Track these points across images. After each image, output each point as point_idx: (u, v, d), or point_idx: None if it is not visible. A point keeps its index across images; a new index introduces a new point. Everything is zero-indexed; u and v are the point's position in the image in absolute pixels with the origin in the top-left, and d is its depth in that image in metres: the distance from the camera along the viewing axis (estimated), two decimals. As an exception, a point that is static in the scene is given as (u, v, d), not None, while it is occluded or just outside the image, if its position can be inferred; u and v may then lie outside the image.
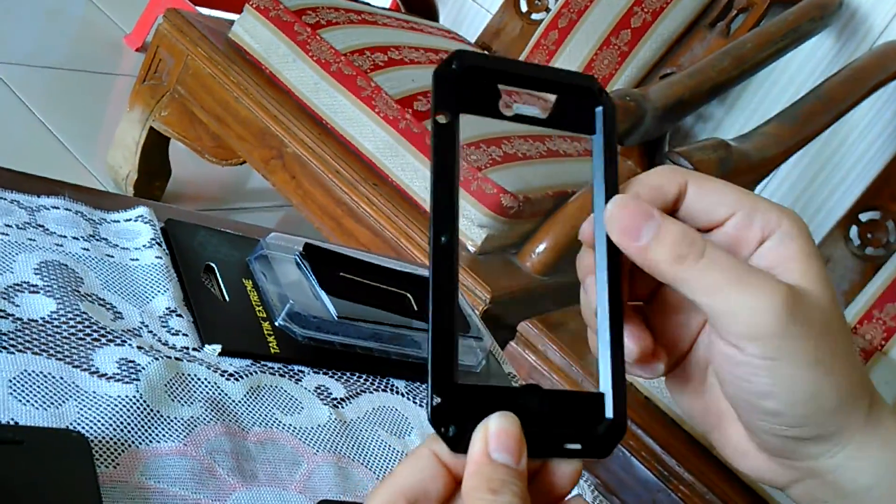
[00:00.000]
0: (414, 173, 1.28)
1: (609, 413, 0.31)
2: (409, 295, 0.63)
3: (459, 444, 0.28)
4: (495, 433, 0.28)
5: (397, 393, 0.58)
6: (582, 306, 0.34)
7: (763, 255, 0.32)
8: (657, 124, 1.16)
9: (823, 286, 0.31)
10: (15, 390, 0.44)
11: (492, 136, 1.31)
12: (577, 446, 0.30)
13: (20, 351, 0.46)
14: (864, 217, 1.47)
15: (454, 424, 0.28)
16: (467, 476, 0.28)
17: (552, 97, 0.32)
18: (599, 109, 0.32)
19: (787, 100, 1.32)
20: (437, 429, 0.28)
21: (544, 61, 1.67)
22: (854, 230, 1.47)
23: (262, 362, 0.54)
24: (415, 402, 0.58)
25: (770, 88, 1.71)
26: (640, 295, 0.35)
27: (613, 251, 0.32)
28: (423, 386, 0.60)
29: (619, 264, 0.32)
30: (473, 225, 1.24)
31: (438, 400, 0.28)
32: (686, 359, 0.36)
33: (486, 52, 0.31)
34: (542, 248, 1.27)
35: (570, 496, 0.30)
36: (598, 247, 0.32)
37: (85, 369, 0.47)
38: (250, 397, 0.52)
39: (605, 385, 0.31)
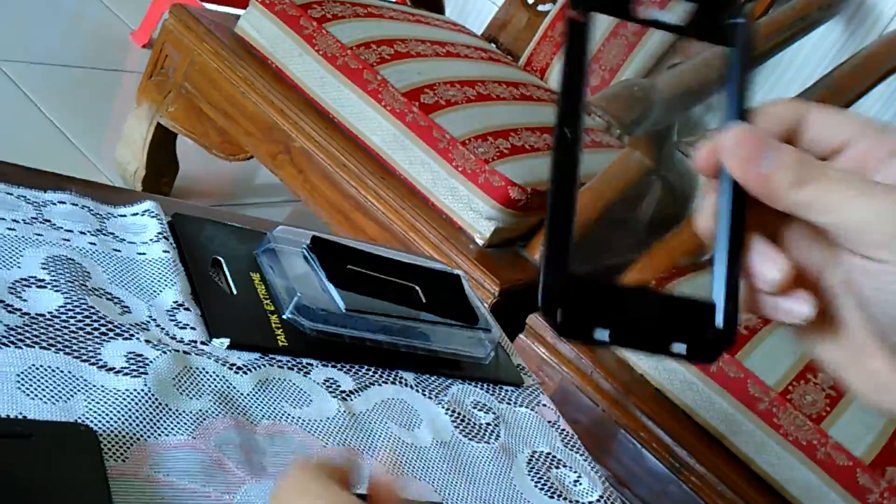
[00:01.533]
0: (421, 166, 1.27)
1: (719, 322, 0.31)
2: (417, 287, 0.62)
3: (566, 330, 0.30)
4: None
5: (406, 385, 0.58)
6: (698, 218, 0.34)
7: (890, 170, 0.31)
8: (666, 114, 1.15)
9: None
10: (23, 385, 0.44)
11: (499, 129, 1.30)
12: (683, 347, 0.30)
13: (28, 346, 0.46)
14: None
15: (563, 310, 0.29)
16: None
17: (691, 5, 0.32)
18: (740, 21, 0.32)
19: (796, 89, 1.32)
20: (547, 313, 0.30)
21: (551, 53, 1.66)
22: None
23: (271, 355, 0.54)
24: (424, 395, 0.58)
25: (779, 77, 1.70)
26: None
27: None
28: (434, 378, 0.60)
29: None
30: (481, 217, 1.24)
31: (548, 287, 0.29)
32: (816, 297, 0.34)
33: None
34: (550, 240, 1.26)
35: None
36: (722, 174, 0.32)
37: (93, 363, 0.47)
38: (259, 390, 0.52)
39: (718, 295, 0.31)
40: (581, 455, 0.60)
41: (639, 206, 1.47)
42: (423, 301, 0.62)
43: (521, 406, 0.62)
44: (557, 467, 0.58)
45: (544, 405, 0.64)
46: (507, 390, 0.63)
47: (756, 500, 1.02)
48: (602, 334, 0.30)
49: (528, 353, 1.14)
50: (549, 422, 0.63)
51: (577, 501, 0.56)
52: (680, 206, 1.46)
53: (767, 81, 1.71)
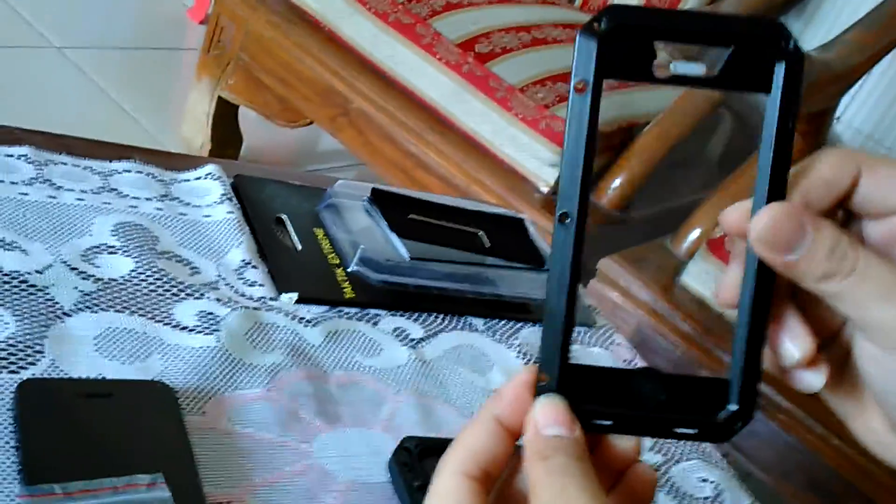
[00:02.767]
0: (480, 117, 1.26)
1: (734, 401, 0.29)
2: (480, 232, 0.62)
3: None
4: (541, 413, 0.29)
5: (475, 331, 0.58)
6: (719, 289, 0.32)
7: None
8: (730, 43, 1.11)
9: None
10: (100, 347, 0.45)
11: (557, 72, 1.28)
12: (692, 431, 0.29)
13: (103, 310, 0.47)
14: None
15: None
16: (524, 453, 0.29)
17: (724, 51, 0.28)
18: (782, 63, 0.28)
19: (870, 5, 1.25)
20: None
21: (607, -8, 1.61)
22: (951, 139, 1.39)
23: (338, 308, 0.55)
24: (494, 339, 0.58)
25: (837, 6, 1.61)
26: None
27: None
28: (503, 323, 0.59)
29: None
30: (545, 165, 1.22)
31: (546, 377, 0.28)
32: (830, 345, 0.34)
33: (641, 7, 0.26)
34: (617, 182, 1.24)
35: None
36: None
37: (166, 324, 0.48)
38: (329, 342, 0.52)
39: (735, 371, 0.29)
40: (658, 391, 0.59)
41: (709, 142, 1.42)
42: (488, 246, 0.61)
43: (594, 346, 0.62)
44: (634, 404, 0.57)
45: (619, 344, 0.63)
46: (579, 331, 0.62)
47: (847, 432, 0.99)
48: (603, 423, 0.29)
49: (602, 298, 1.12)
50: (625, 360, 0.62)
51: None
52: (752, 138, 1.41)
53: (822, 9, 1.63)
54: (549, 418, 0.29)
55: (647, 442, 0.54)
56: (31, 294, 0.46)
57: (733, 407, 0.29)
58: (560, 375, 0.28)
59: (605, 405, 0.29)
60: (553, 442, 0.28)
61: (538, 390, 0.29)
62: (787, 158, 0.28)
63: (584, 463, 0.28)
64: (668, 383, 0.29)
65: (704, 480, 0.54)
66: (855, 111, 1.59)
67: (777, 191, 0.29)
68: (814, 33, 1.61)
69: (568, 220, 0.28)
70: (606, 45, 0.27)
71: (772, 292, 0.29)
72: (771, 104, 0.28)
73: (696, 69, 0.28)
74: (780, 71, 0.28)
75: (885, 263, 0.29)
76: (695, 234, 1.17)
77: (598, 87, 0.27)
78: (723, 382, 0.29)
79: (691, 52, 0.30)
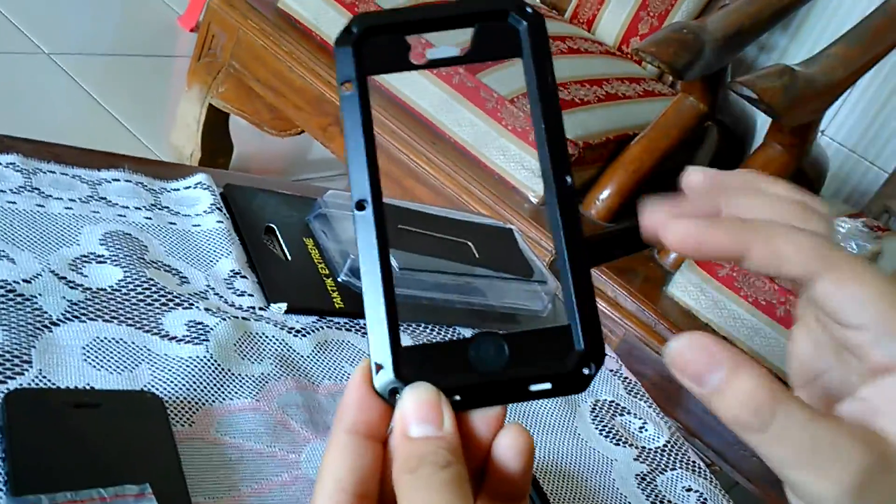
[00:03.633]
0: (471, 128, 1.26)
1: (579, 345, 0.28)
2: (469, 243, 0.62)
3: None
4: (406, 409, 0.26)
5: (464, 341, 0.58)
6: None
7: (876, 391, 0.27)
8: (718, 56, 1.12)
9: None
10: (89, 357, 0.45)
11: (547, 84, 1.29)
12: (546, 386, 0.28)
13: (91, 319, 0.47)
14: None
15: (403, 386, 0.27)
16: (391, 462, 0.27)
17: (471, 29, 0.29)
18: (523, 27, 0.29)
19: (854, 22, 1.26)
20: (388, 397, 0.27)
21: (597, 3, 1.62)
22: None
23: (328, 318, 0.55)
24: (483, 350, 0.58)
25: (835, 10, 1.63)
26: None
27: (565, 193, 0.29)
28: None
29: (575, 206, 0.29)
30: (534, 175, 1.23)
31: (379, 367, 0.27)
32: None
33: (386, 9, 0.30)
34: (605, 194, 1.25)
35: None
36: (547, 184, 0.29)
37: (155, 333, 0.48)
38: (318, 352, 0.52)
39: (573, 315, 0.28)
40: (645, 402, 0.59)
41: (696, 154, 1.43)
42: (477, 256, 0.61)
43: (581, 357, 0.62)
44: (622, 414, 0.57)
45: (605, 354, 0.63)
46: (566, 342, 0.62)
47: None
48: (453, 400, 0.27)
49: (590, 309, 1.12)
50: (611, 370, 0.62)
51: (644, 447, 0.55)
52: (738, 151, 1.42)
53: (823, 15, 1.65)
54: (415, 414, 0.26)
55: (632, 451, 0.55)
56: (19, 304, 0.46)
57: (580, 349, 0.28)
58: (394, 361, 0.27)
59: (449, 382, 0.27)
60: (420, 447, 0.26)
61: (375, 383, 0.27)
62: (556, 109, 0.29)
63: (451, 469, 0.25)
64: (509, 343, 0.28)
65: (689, 490, 0.54)
66: (839, 125, 1.61)
67: (555, 140, 0.29)
68: (798, 48, 1.62)
69: (366, 206, 0.28)
70: (361, 49, 0.29)
71: (579, 217, 0.29)
72: (527, 65, 0.29)
73: (450, 51, 0.29)
74: (525, 34, 0.29)
75: (812, 425, 0.26)
76: (682, 245, 1.18)
77: (363, 85, 0.29)
78: (565, 329, 0.28)
79: (447, 35, 0.31)
